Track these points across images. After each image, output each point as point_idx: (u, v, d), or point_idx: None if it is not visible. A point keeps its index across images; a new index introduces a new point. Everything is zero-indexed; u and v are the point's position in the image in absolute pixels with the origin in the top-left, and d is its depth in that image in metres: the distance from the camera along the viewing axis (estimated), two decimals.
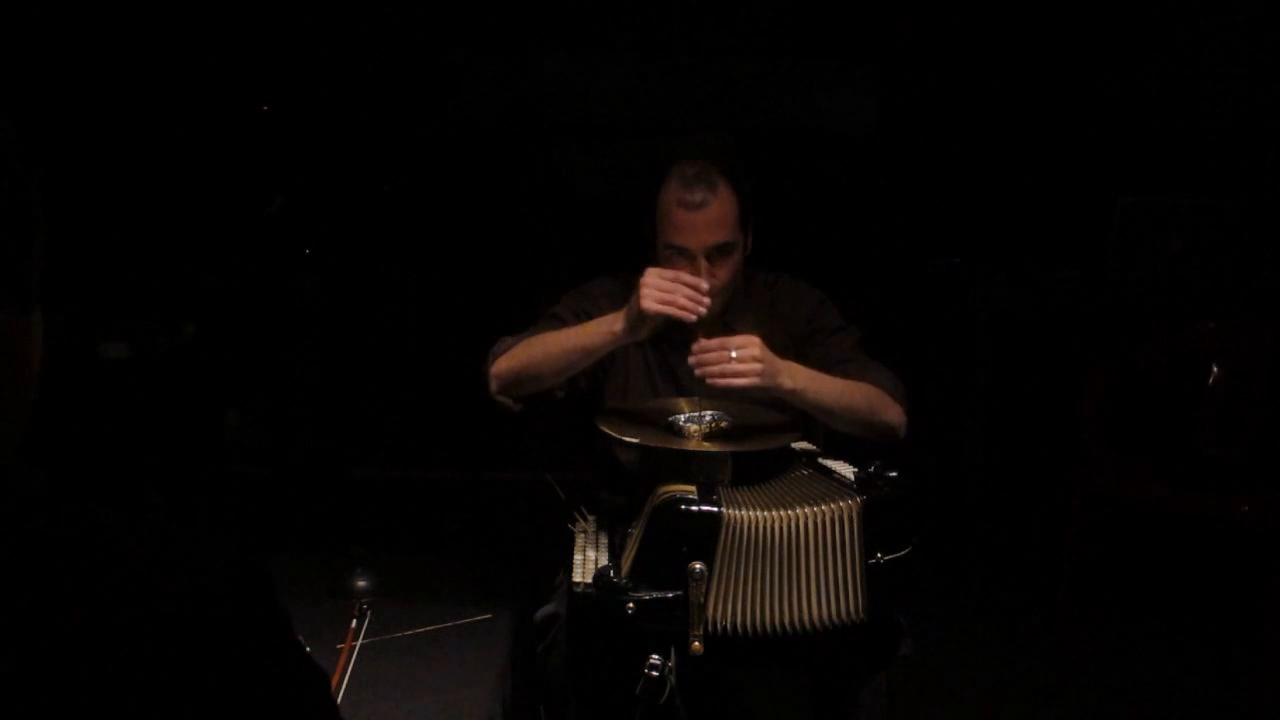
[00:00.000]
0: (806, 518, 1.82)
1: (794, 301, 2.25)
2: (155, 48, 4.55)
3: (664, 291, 1.97)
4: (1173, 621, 3.43)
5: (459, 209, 5.03)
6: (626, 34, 5.10)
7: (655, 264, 2.19)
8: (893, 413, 2.12)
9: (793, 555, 1.82)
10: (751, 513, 1.82)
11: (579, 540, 2.02)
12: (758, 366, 1.96)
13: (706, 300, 2.00)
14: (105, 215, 4.33)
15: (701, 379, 2.03)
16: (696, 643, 1.78)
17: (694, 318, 1.99)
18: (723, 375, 1.96)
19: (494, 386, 2.16)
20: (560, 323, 2.22)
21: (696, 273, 2.10)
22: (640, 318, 1.99)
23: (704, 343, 1.99)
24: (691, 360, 1.99)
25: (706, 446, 1.97)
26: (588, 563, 1.92)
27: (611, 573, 1.80)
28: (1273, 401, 3.38)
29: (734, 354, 1.96)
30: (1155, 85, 4.72)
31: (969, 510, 4.28)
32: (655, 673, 1.78)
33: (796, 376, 2.03)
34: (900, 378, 2.16)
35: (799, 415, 2.22)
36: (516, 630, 2.23)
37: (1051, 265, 4.39)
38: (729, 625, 1.82)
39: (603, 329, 2.07)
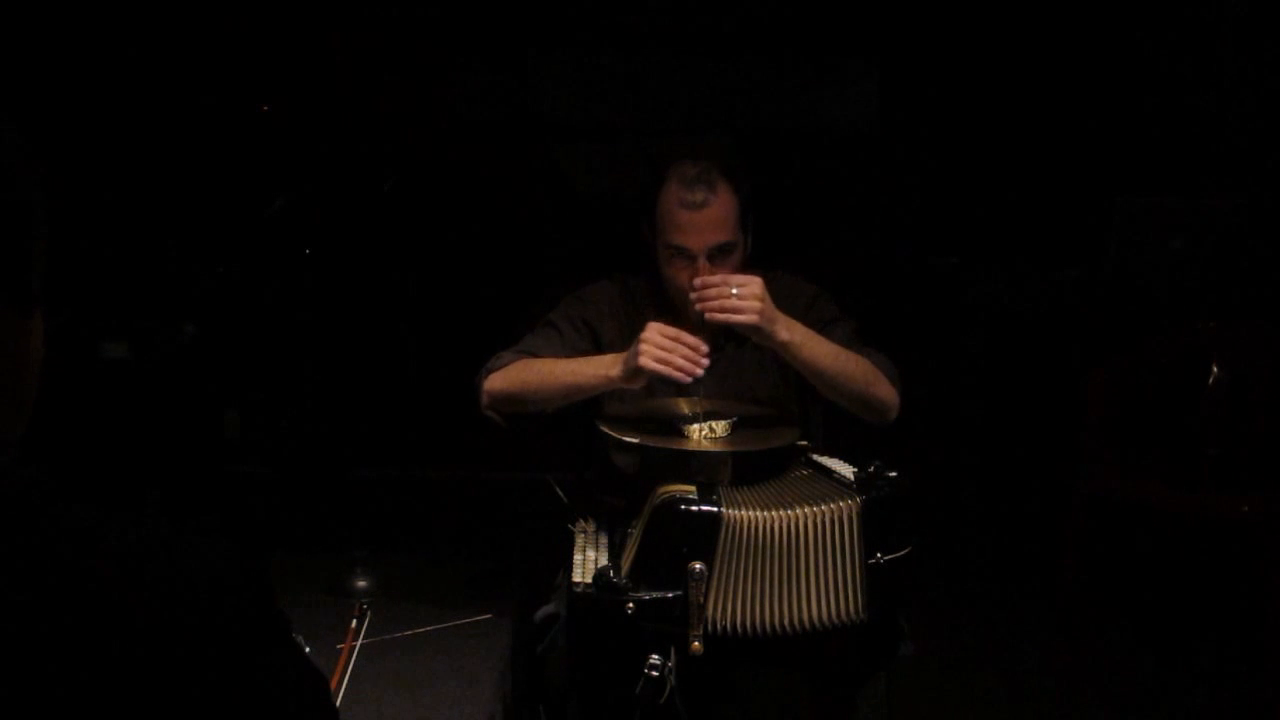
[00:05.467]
0: (806, 518, 1.83)
1: (792, 296, 2.26)
2: (156, 48, 4.55)
3: (663, 350, 1.97)
4: (1173, 621, 3.43)
5: (458, 209, 5.03)
6: (626, 34, 5.09)
7: (655, 264, 2.20)
8: (885, 390, 2.11)
9: (792, 555, 1.82)
10: (751, 513, 1.82)
11: (579, 540, 2.02)
12: (757, 305, 1.97)
13: (705, 361, 1.99)
14: (105, 215, 4.33)
15: (704, 380, 2.03)
16: (696, 643, 1.79)
17: (689, 379, 1.98)
18: (721, 310, 1.97)
19: (485, 401, 2.17)
20: (556, 332, 2.22)
21: (697, 273, 2.10)
22: (637, 372, 1.99)
23: (705, 277, 2.00)
24: (692, 295, 1.99)
25: (706, 446, 1.97)
26: (588, 563, 1.92)
27: (611, 573, 1.80)
28: (1273, 401, 3.38)
29: (735, 290, 1.97)
30: (1155, 85, 4.72)
31: (969, 510, 4.28)
32: (655, 673, 1.78)
33: (794, 330, 2.03)
34: (896, 364, 2.17)
35: (798, 414, 2.22)
36: (516, 630, 2.23)
37: (1051, 265, 4.39)
38: (729, 625, 1.82)
39: (599, 372, 2.07)
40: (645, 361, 1.96)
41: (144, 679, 0.71)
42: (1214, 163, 4.52)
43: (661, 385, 2.23)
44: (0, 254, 0.75)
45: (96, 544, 0.74)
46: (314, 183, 4.74)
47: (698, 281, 2.00)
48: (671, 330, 2.00)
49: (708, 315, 1.98)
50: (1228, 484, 3.23)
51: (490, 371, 2.16)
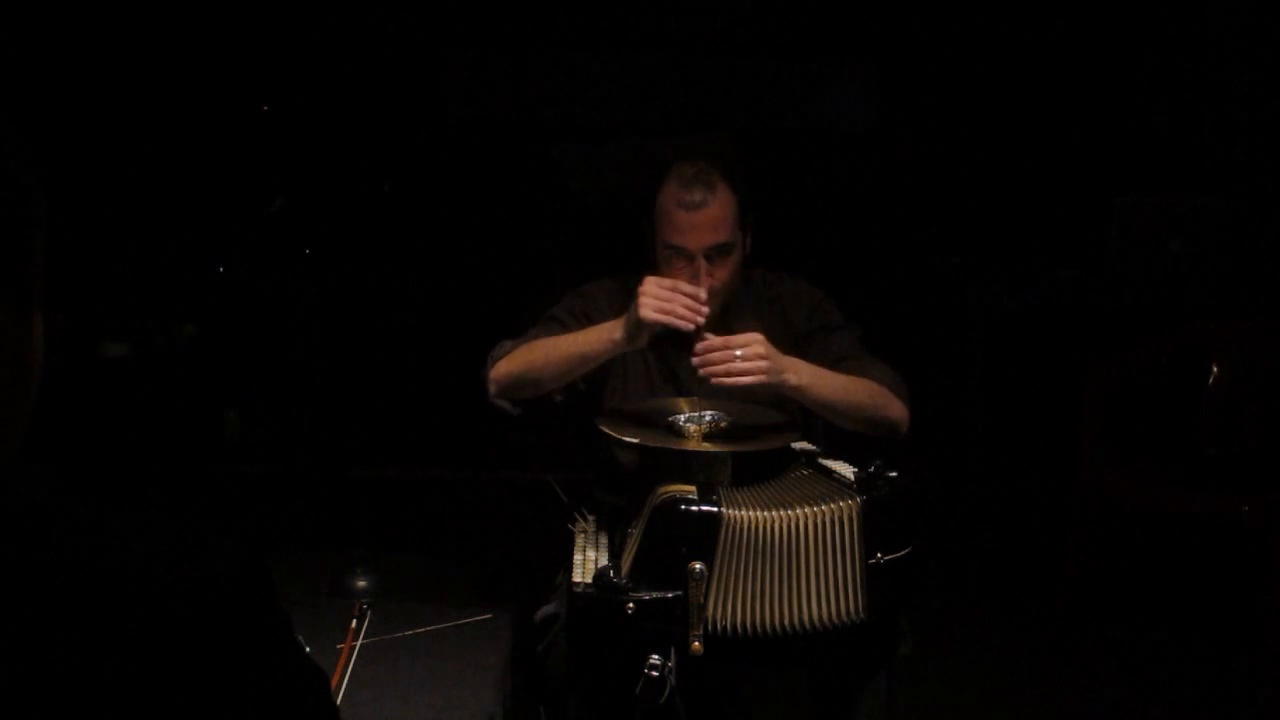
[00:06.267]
0: (806, 518, 1.82)
1: (794, 300, 2.25)
2: (156, 47, 4.55)
3: (662, 300, 1.97)
4: (1173, 621, 3.43)
5: (458, 209, 5.04)
6: (626, 34, 5.10)
7: (655, 264, 2.20)
8: (895, 409, 2.12)
9: (793, 555, 1.82)
10: (751, 513, 1.82)
11: (579, 540, 2.02)
12: (763, 364, 1.96)
13: (705, 309, 2.00)
14: (105, 215, 4.33)
15: (704, 379, 2.04)
16: (696, 643, 1.78)
17: (692, 326, 1.99)
18: (728, 374, 1.96)
19: (493, 390, 2.16)
20: (559, 325, 2.22)
21: (696, 273, 2.10)
22: (638, 326, 1.99)
23: (708, 342, 1.99)
24: (695, 360, 1.99)
25: (706, 446, 1.97)
26: (588, 563, 1.92)
27: (611, 573, 1.80)
28: (1273, 401, 3.38)
29: (738, 353, 1.96)
30: (1155, 85, 4.72)
31: (969, 510, 4.28)
32: (655, 673, 1.78)
33: (801, 373, 2.03)
34: (901, 375, 2.17)
35: (799, 415, 2.22)
36: (516, 630, 2.23)
37: (1051, 265, 4.39)
38: (729, 625, 1.82)
39: (602, 336, 2.07)
40: (646, 313, 1.96)
41: (147, 676, 0.71)
42: (1214, 163, 4.52)
43: (662, 385, 2.23)
44: (0, 254, 0.75)
45: (99, 542, 0.74)
46: (314, 183, 4.75)
47: (700, 347, 1.99)
48: (668, 280, 2.01)
49: (714, 380, 1.98)
50: (1228, 484, 3.23)
51: (495, 360, 2.16)
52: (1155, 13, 4.69)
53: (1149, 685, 3.10)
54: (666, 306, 1.97)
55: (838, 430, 2.20)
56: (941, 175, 4.92)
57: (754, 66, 5.13)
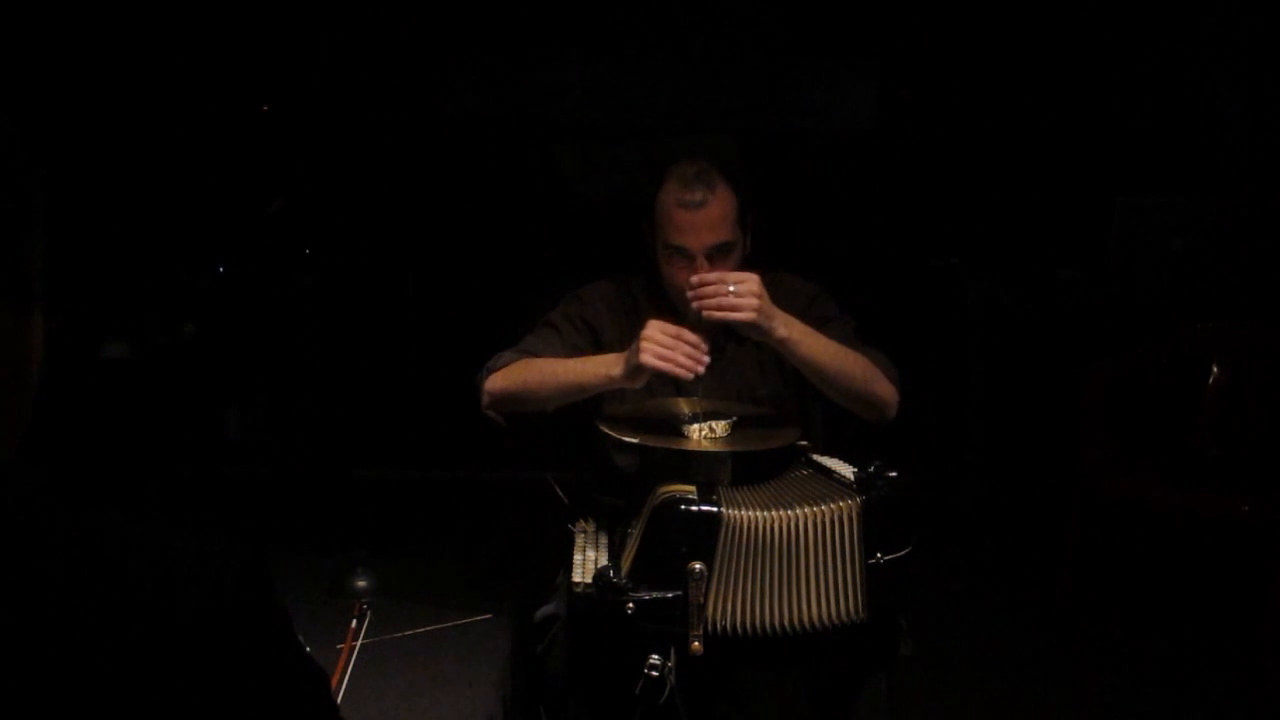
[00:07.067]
0: (806, 518, 1.83)
1: (791, 295, 2.25)
2: (156, 48, 4.55)
3: (664, 348, 1.97)
4: (1173, 621, 3.43)
5: (458, 210, 5.03)
6: (626, 34, 5.10)
7: (655, 264, 2.20)
8: (884, 388, 2.11)
9: (792, 555, 1.82)
10: (751, 513, 1.82)
11: (579, 540, 2.02)
12: (755, 302, 1.97)
13: (706, 359, 1.99)
14: (105, 215, 4.33)
15: (704, 380, 2.03)
16: (696, 643, 1.79)
17: (692, 376, 1.98)
18: (719, 308, 1.97)
19: (486, 401, 2.16)
20: (556, 332, 2.22)
21: (696, 272, 2.10)
22: (638, 369, 1.99)
23: (702, 275, 2.00)
24: (689, 294, 1.99)
25: (706, 446, 1.97)
26: (588, 563, 1.92)
27: (611, 573, 1.80)
28: (1273, 401, 3.38)
29: (732, 288, 1.97)
30: (1155, 85, 4.72)
31: (969, 510, 4.28)
32: (655, 673, 1.78)
33: (792, 326, 2.03)
34: (894, 363, 2.17)
35: (798, 415, 2.22)
36: (516, 630, 2.24)
37: (1051, 265, 4.39)
38: (729, 625, 1.82)
39: (600, 371, 2.07)
40: (647, 359, 1.96)
41: (147, 677, 0.71)
42: (1214, 163, 4.52)
43: (661, 385, 2.23)
44: (0, 254, 0.75)
45: (99, 543, 0.74)
46: (314, 183, 4.75)
47: (695, 279, 2.01)
48: (672, 328, 2.00)
49: (705, 313, 1.98)
50: (1228, 484, 3.23)
51: (491, 371, 2.16)
52: (1156, 13, 4.69)
53: (1149, 685, 3.10)
54: (668, 354, 1.96)
55: (837, 429, 2.21)
56: (942, 175, 4.92)
57: (754, 66, 5.13)
